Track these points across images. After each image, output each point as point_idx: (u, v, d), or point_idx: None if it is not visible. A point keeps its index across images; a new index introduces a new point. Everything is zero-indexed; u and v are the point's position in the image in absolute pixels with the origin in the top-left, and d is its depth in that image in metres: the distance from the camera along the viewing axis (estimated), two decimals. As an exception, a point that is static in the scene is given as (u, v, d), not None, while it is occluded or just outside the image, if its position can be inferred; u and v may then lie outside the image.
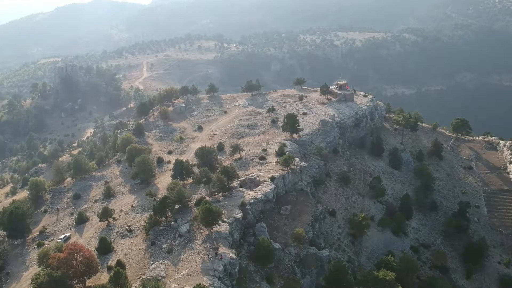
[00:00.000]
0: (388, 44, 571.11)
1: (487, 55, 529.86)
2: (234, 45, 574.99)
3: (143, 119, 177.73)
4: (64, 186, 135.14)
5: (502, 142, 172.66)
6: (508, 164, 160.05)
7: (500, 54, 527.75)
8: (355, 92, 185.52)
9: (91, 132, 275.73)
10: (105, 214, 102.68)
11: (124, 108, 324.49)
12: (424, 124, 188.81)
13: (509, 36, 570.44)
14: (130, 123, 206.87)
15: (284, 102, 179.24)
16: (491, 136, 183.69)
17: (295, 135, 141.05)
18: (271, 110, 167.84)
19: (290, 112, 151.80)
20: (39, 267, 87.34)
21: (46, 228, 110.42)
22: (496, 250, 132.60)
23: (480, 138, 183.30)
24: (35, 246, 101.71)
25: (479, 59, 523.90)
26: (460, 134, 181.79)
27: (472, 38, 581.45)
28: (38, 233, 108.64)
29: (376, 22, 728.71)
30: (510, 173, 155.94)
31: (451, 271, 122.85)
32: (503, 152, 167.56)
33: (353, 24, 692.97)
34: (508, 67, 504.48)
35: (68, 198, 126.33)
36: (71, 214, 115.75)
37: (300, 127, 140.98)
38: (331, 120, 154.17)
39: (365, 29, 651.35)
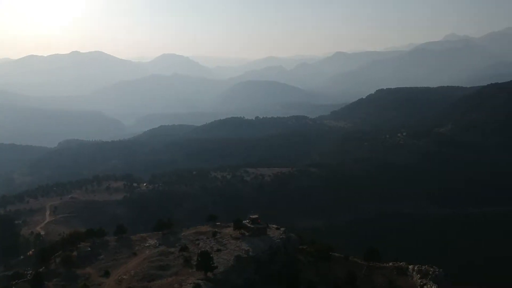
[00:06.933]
0: (295, 178, 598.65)
1: (386, 185, 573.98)
2: (144, 184, 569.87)
3: (43, 267, 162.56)
4: None
5: (410, 267, 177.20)
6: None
7: (396, 184, 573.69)
8: (267, 225, 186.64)
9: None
10: None
11: (22, 257, 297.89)
12: (336, 254, 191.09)
13: (401, 167, 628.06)
14: (28, 272, 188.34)
15: (197, 240, 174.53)
16: (400, 262, 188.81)
17: (209, 274, 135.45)
18: (184, 248, 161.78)
19: (203, 249, 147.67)
20: None
21: None
22: None
23: (390, 264, 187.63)
24: None
25: (380, 188, 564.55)
26: (371, 262, 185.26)
27: (372, 169, 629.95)
28: None
29: (283, 158, 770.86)
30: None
31: None
32: (413, 276, 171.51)
33: (261, 160, 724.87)
34: (407, 196, 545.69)
35: None
36: None
37: (215, 264, 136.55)
38: (246, 255, 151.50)
39: (273, 164, 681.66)
